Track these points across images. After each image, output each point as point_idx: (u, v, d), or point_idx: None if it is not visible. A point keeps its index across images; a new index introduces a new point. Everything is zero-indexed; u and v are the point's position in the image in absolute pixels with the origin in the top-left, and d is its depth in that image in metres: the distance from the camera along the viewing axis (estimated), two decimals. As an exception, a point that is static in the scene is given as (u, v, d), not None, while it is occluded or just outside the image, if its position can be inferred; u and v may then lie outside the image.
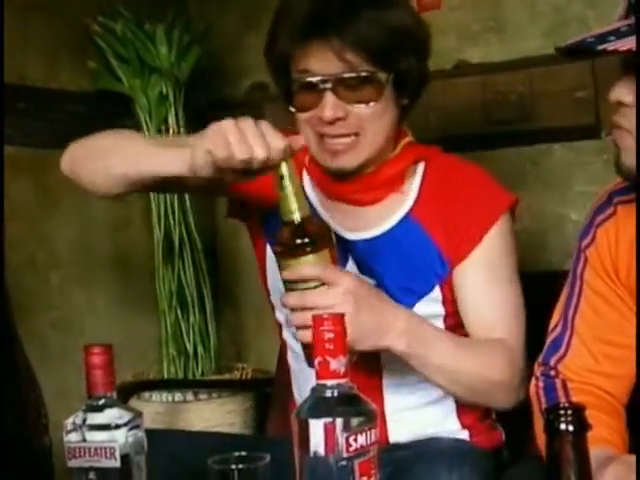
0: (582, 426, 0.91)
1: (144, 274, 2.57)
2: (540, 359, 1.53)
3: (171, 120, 2.47)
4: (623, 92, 1.28)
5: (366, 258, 1.66)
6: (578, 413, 0.91)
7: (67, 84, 2.43)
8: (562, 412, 0.90)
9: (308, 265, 1.39)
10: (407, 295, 1.63)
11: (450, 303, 1.66)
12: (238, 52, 2.73)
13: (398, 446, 1.63)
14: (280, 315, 1.77)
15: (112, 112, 2.50)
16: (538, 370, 1.52)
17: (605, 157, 2.23)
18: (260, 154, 1.34)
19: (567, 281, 1.54)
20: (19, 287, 2.14)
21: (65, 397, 1.90)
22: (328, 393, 1.06)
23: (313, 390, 1.07)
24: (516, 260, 1.67)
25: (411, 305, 1.62)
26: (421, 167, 1.70)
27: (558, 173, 2.36)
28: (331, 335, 1.06)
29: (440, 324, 1.65)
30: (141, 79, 2.47)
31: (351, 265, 1.65)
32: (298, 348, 1.58)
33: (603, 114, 2.22)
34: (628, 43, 1.20)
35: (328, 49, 1.54)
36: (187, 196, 2.47)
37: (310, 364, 1.27)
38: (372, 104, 1.58)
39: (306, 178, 1.73)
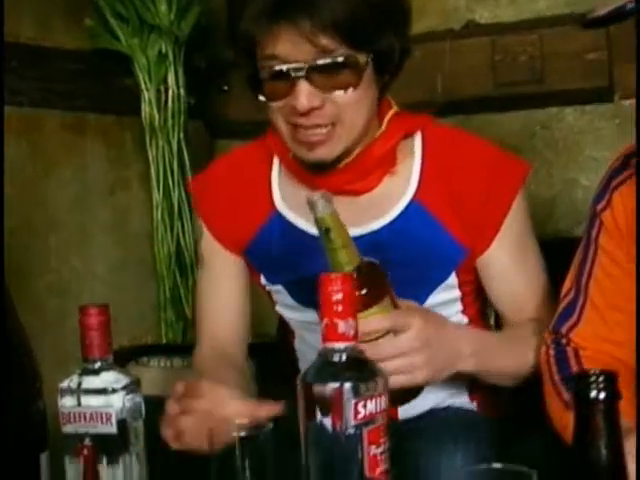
0: (614, 394, 0.86)
1: (142, 237, 2.53)
2: (551, 327, 1.48)
3: (170, 80, 2.42)
4: None
5: (372, 255, 1.55)
6: (610, 380, 0.86)
7: (63, 43, 2.36)
8: (593, 379, 0.85)
9: (374, 319, 1.30)
10: (422, 286, 1.57)
11: (467, 284, 1.60)
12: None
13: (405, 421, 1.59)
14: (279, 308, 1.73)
15: (109, 71, 2.45)
16: (549, 338, 1.48)
17: (617, 121, 2.20)
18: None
19: (580, 246, 1.48)
20: (15, 250, 2.10)
21: (63, 362, 1.85)
22: (336, 357, 1.02)
23: (320, 354, 1.03)
24: (533, 230, 1.62)
25: (427, 295, 1.57)
26: (418, 144, 1.59)
27: (569, 137, 2.31)
28: (339, 296, 1.01)
29: (458, 306, 1.62)
30: (140, 38, 2.41)
31: None
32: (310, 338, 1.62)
33: (617, 77, 2.15)
34: None
35: (297, 33, 1.39)
36: (187, 155, 2.42)
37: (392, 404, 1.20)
38: (351, 90, 1.45)
39: (275, 180, 1.66)
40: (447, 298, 1.59)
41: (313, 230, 1.52)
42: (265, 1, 1.42)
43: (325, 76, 1.43)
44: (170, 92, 2.41)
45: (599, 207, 1.45)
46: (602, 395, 0.85)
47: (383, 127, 1.57)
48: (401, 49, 1.50)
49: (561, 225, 2.30)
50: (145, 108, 2.42)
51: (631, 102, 1.30)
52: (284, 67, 1.43)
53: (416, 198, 1.56)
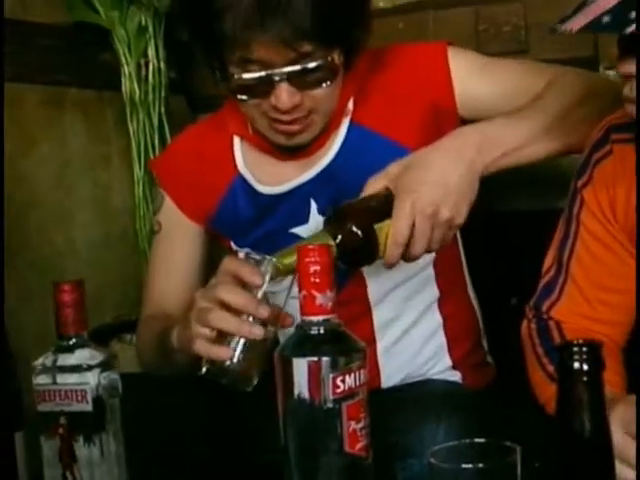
0: (599, 364, 0.83)
1: (124, 213, 2.49)
2: (531, 303, 1.46)
3: (151, 53, 2.38)
4: (630, 62, 1.13)
5: (327, 189, 1.60)
6: (594, 350, 0.83)
7: (40, 16, 2.32)
8: (576, 349, 0.83)
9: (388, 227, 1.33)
10: None
11: None
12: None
13: (388, 389, 1.59)
14: None
15: (89, 45, 2.40)
16: (530, 313, 1.46)
17: (603, 91, 2.17)
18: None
19: (561, 222, 1.46)
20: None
21: (45, 340, 1.83)
22: (314, 330, 1.00)
23: (298, 327, 1.01)
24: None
25: None
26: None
27: (554, 107, 2.28)
28: (317, 267, 0.99)
29: None
30: (119, 10, 2.37)
31: (313, 208, 1.60)
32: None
33: (602, 47, 2.13)
34: None
35: (277, 39, 1.42)
36: (168, 130, 2.39)
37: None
38: (328, 83, 1.51)
39: (237, 145, 1.71)
40: None
41: (276, 191, 1.63)
42: (247, 8, 1.42)
43: (304, 77, 1.47)
44: (150, 66, 2.37)
45: (580, 182, 1.42)
46: (586, 366, 0.83)
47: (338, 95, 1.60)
48: (366, 36, 1.55)
49: (547, 195, 2.28)
50: (125, 82, 2.38)
51: (615, 72, 1.27)
52: (265, 72, 1.46)
53: (353, 121, 1.62)
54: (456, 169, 1.37)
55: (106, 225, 2.48)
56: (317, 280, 0.99)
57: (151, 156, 2.35)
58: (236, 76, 1.49)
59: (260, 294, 1.24)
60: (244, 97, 1.52)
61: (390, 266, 1.36)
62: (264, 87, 1.48)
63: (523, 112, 1.49)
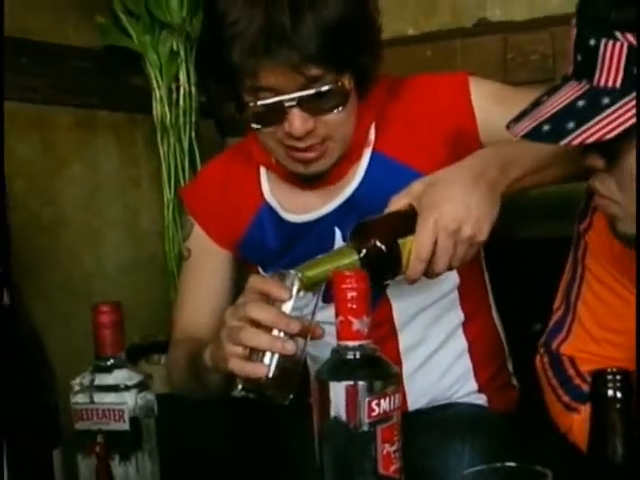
0: (631, 391, 0.85)
1: (153, 236, 2.51)
2: (542, 340, 1.49)
3: (182, 77, 2.40)
4: (595, 156, 1.16)
5: (351, 217, 1.60)
6: (626, 378, 0.85)
7: (73, 39, 2.35)
8: (609, 377, 0.85)
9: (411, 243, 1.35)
10: None
11: None
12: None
13: (414, 412, 1.60)
14: None
15: (121, 69, 2.43)
16: (541, 349, 1.48)
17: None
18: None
19: (568, 264, 1.48)
20: (24, 247, 2.09)
21: (72, 360, 1.85)
22: (350, 355, 1.02)
23: (334, 351, 1.03)
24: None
25: None
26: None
27: (580, 136, 2.29)
28: (354, 294, 1.01)
29: None
30: (151, 35, 2.40)
31: (338, 236, 1.62)
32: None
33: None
34: (595, 131, 1.07)
35: (287, 65, 1.44)
36: (198, 154, 2.41)
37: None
38: (339, 110, 1.52)
39: (264, 174, 1.73)
40: None
41: (302, 220, 1.66)
42: (253, 36, 1.44)
43: (315, 102, 1.49)
44: (181, 90, 2.40)
45: (582, 227, 1.44)
46: (619, 393, 0.85)
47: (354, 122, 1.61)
48: (377, 61, 1.58)
49: (571, 225, 2.29)
50: (156, 106, 2.40)
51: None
52: (276, 99, 1.48)
53: (375, 150, 1.64)
54: (478, 188, 1.38)
55: (135, 247, 2.51)
56: (354, 306, 1.01)
57: (181, 179, 2.38)
58: (250, 104, 1.51)
59: (289, 308, 1.26)
60: (258, 126, 1.54)
61: (412, 282, 1.37)
62: (277, 114, 1.50)
63: None
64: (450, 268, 1.38)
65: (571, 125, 1.08)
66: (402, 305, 1.63)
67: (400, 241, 1.34)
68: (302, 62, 1.44)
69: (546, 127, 1.10)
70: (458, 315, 1.67)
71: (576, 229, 1.46)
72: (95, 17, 2.39)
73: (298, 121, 1.48)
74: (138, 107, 2.46)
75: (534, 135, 1.12)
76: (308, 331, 1.26)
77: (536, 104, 1.16)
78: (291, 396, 1.24)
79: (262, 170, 1.73)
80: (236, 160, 1.78)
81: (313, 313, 1.28)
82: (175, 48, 2.40)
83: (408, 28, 2.36)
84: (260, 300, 1.28)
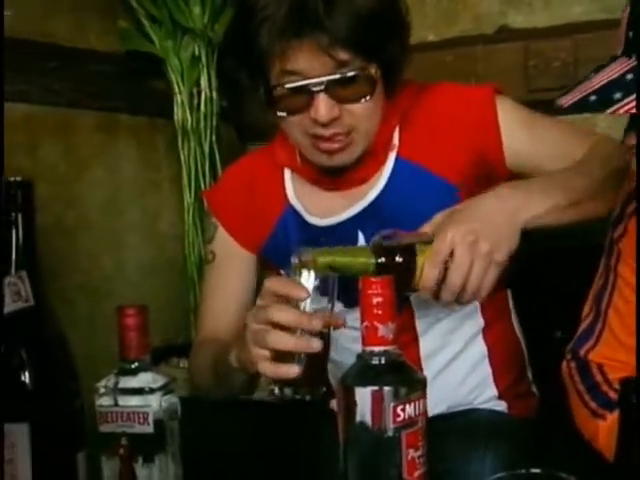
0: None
1: (173, 239, 2.53)
2: (569, 347, 1.48)
3: (203, 82, 2.42)
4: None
5: (374, 221, 1.62)
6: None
7: (96, 44, 2.37)
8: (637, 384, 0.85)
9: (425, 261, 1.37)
10: None
11: None
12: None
13: (435, 418, 1.60)
14: None
15: (142, 73, 2.46)
16: (568, 355, 1.48)
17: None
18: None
19: (599, 272, 1.47)
20: (46, 249, 2.10)
21: (92, 362, 1.86)
22: (375, 360, 1.02)
23: (359, 357, 1.03)
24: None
25: None
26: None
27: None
28: (379, 299, 1.01)
29: None
30: (173, 40, 2.42)
31: (361, 240, 1.63)
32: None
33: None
34: None
35: (316, 48, 1.46)
36: (218, 158, 2.43)
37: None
38: (365, 99, 1.53)
39: (288, 178, 1.73)
40: None
41: (325, 223, 1.66)
42: (282, 18, 1.46)
43: (342, 88, 1.50)
44: (203, 95, 2.42)
45: (616, 234, 1.43)
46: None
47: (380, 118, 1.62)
48: (404, 56, 1.58)
49: (592, 234, 2.28)
50: (177, 110, 2.42)
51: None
52: (304, 82, 1.49)
53: (400, 156, 1.64)
54: (500, 214, 1.40)
55: (155, 250, 2.52)
56: (379, 312, 1.01)
57: (201, 183, 2.39)
58: (278, 88, 1.52)
59: (308, 305, 1.27)
60: (284, 114, 1.55)
61: (426, 290, 1.38)
62: (304, 100, 1.51)
63: (571, 174, 1.53)
64: (475, 296, 1.39)
65: (618, 95, 1.09)
66: (424, 312, 1.64)
67: (419, 258, 1.36)
68: (331, 45, 1.45)
69: (593, 97, 1.11)
70: (478, 322, 1.68)
71: (609, 236, 1.45)
72: (118, 22, 2.41)
73: (324, 106, 1.49)
74: (159, 111, 2.48)
75: (581, 105, 1.13)
76: (330, 323, 1.28)
77: (582, 81, 1.16)
78: (324, 389, 1.26)
79: (286, 173, 1.73)
80: (261, 162, 1.78)
81: (332, 305, 1.29)
82: (197, 53, 2.42)
83: (429, 34, 2.37)
84: (280, 302, 1.29)
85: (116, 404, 1.20)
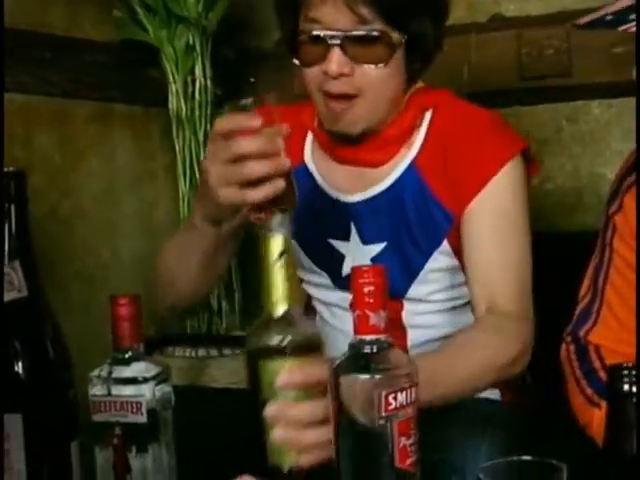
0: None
1: (168, 228, 2.52)
2: (568, 329, 1.48)
3: (198, 71, 2.41)
4: None
5: (370, 219, 1.63)
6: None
7: (90, 33, 2.37)
8: (625, 372, 0.85)
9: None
10: (417, 252, 1.61)
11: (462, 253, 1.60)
12: (267, 3, 2.67)
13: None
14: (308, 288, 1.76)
15: (137, 63, 2.45)
16: (567, 338, 1.48)
17: (644, 115, 2.18)
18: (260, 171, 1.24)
19: (596, 249, 1.48)
20: (42, 238, 2.11)
21: (86, 351, 1.87)
22: (367, 349, 1.02)
23: (351, 345, 1.04)
24: (527, 212, 1.58)
25: (424, 260, 1.60)
26: (427, 116, 1.64)
27: (595, 131, 2.29)
28: (371, 288, 1.02)
29: (461, 277, 1.61)
30: (168, 29, 2.41)
31: (354, 234, 1.63)
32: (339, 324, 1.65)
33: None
34: None
35: (342, 0, 1.47)
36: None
37: None
38: (380, 65, 1.52)
39: (309, 139, 1.73)
40: (446, 265, 1.62)
41: (328, 195, 1.66)
42: None
43: (358, 47, 1.50)
44: (197, 83, 2.41)
45: (612, 210, 1.44)
46: (635, 388, 0.85)
47: (404, 104, 1.62)
48: (435, 38, 1.57)
49: (588, 218, 2.29)
50: (172, 99, 2.42)
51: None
52: (322, 33, 1.50)
53: (415, 163, 1.62)
54: None
55: (150, 239, 2.52)
56: (371, 300, 1.01)
57: (196, 172, 2.39)
58: (300, 36, 1.53)
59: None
60: (300, 62, 1.56)
61: None
62: (320, 51, 1.51)
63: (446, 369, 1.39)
64: None
65: (632, 17, 1.11)
66: (412, 305, 1.64)
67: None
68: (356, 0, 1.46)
69: (609, 17, 1.14)
70: (470, 317, 1.67)
71: (605, 212, 1.46)
72: (112, 11, 2.41)
73: (336, 60, 1.50)
74: (154, 100, 2.48)
75: (596, 22, 1.16)
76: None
77: (599, 8, 1.19)
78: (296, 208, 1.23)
79: (309, 135, 1.74)
80: (289, 117, 1.77)
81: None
82: (191, 42, 2.41)
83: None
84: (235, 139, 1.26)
85: (109, 394, 1.20)
